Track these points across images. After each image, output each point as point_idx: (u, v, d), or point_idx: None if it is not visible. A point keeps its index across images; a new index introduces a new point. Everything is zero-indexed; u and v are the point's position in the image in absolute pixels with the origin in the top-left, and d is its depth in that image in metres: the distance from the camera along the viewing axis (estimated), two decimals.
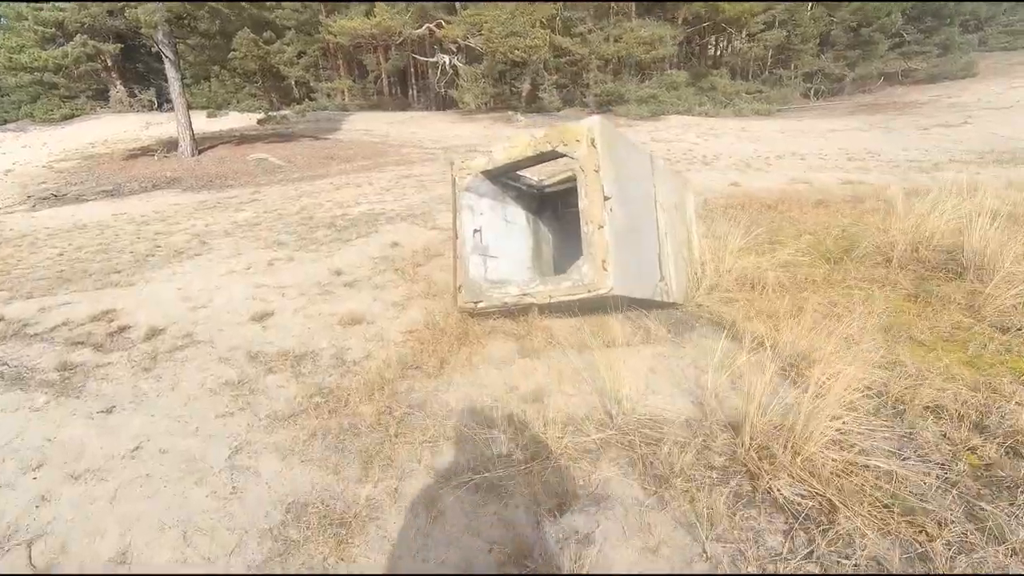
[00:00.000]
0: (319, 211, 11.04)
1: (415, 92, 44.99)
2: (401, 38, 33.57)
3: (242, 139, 24.09)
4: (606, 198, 4.03)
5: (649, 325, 4.38)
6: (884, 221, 6.40)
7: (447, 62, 34.72)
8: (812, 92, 35.01)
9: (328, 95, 39.20)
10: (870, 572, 2.14)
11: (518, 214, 5.73)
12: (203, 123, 25.72)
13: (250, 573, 2.36)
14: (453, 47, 34.14)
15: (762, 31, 33.91)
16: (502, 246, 5.39)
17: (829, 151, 19.84)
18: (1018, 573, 2.10)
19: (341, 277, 6.53)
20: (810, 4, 34.79)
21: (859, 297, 4.55)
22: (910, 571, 2.14)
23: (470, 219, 4.96)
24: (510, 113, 31.49)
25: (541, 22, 29.90)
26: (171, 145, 21.19)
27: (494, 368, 4.09)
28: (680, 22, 34.23)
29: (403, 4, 33.16)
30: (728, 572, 2.20)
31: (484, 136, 25.74)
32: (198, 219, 11.16)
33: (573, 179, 5.26)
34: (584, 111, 32.24)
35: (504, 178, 5.24)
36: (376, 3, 33.01)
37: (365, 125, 29.73)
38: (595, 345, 4.14)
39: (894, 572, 2.13)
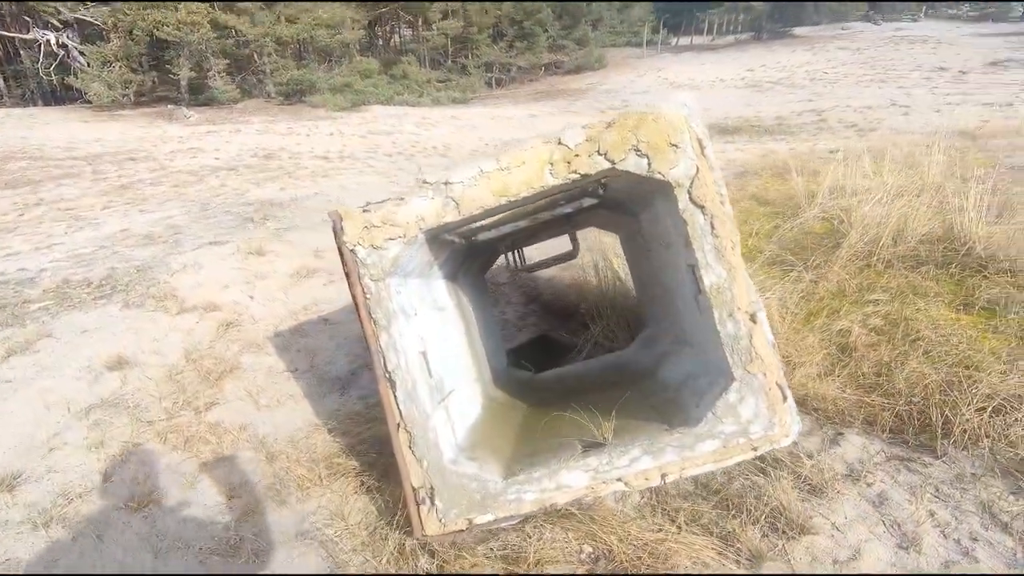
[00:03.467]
0: None
1: (2, 81, 32.18)
2: None
3: None
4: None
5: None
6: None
7: (52, 40, 25.38)
8: (494, 81, 37.04)
9: None
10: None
11: (442, 289, 3.17)
12: None
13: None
14: (57, 20, 25.05)
15: (441, 19, 34.09)
16: (443, 358, 2.83)
17: (544, 133, 20.65)
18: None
19: None
20: None
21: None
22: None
23: (409, 333, 2.30)
24: (171, 107, 24.76)
25: None
26: None
27: None
28: (356, 4, 31.86)
29: None
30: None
31: (142, 139, 19.39)
32: None
33: (521, 216, 3.04)
34: (269, 102, 27.51)
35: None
36: None
37: None
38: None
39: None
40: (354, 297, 2.27)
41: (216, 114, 24.64)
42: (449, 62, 36.37)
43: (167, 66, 25.48)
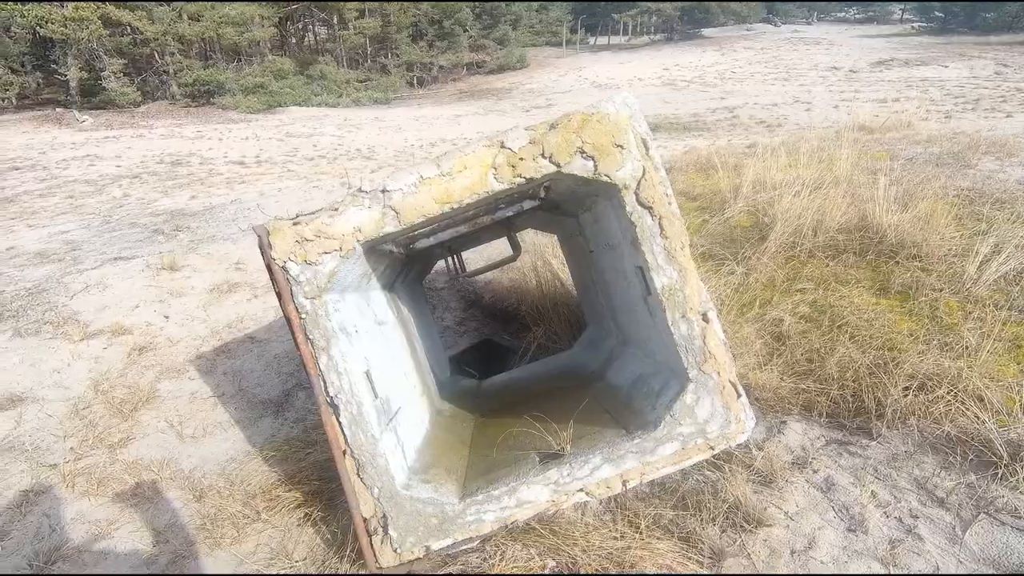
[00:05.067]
0: None
1: None
2: None
3: None
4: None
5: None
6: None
7: None
8: (416, 80, 36.45)
9: None
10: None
11: (380, 300, 3.01)
12: None
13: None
14: None
15: (357, 18, 33.15)
16: (387, 375, 2.70)
17: (470, 134, 20.56)
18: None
19: None
20: None
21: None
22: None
23: (350, 352, 2.17)
24: (60, 110, 22.65)
25: None
26: None
27: None
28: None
29: None
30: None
31: (27, 146, 17.61)
32: None
33: (461, 222, 2.96)
34: (174, 104, 25.76)
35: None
36: None
37: None
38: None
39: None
40: (287, 318, 2.08)
41: (114, 117, 22.78)
42: (369, 62, 35.46)
43: (53, 66, 23.27)
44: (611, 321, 3.43)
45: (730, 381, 2.12)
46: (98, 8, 22.70)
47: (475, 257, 6.01)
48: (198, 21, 26.40)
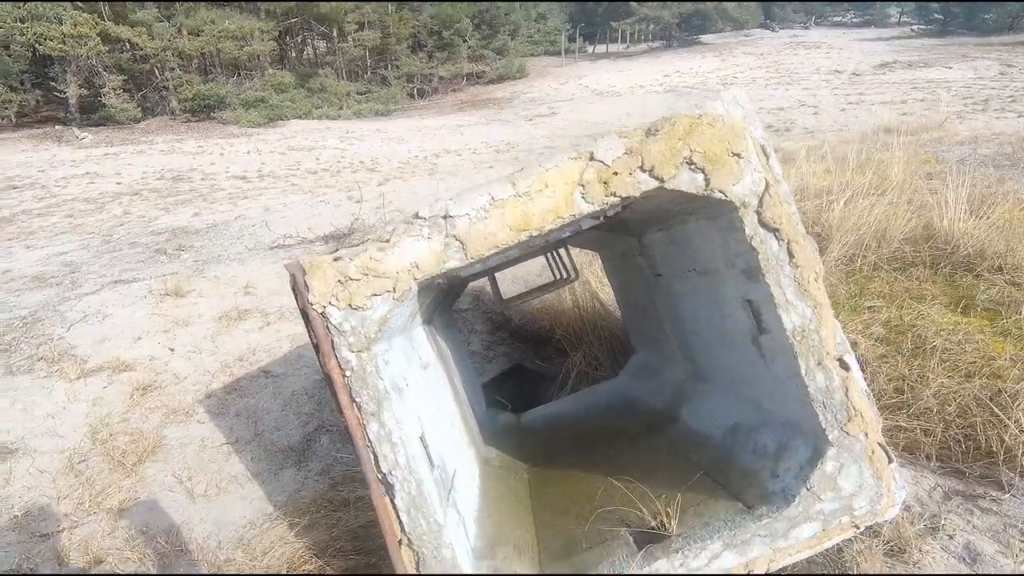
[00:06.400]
0: None
1: None
2: None
3: None
4: None
5: None
6: None
7: None
8: (416, 92, 36.25)
9: None
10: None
11: (422, 338, 2.60)
12: None
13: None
14: None
15: (356, 31, 33.00)
16: (437, 429, 2.27)
17: (475, 145, 20.25)
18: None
19: None
20: (394, 6, 35.50)
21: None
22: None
23: (404, 415, 1.73)
24: (59, 128, 22.36)
25: (78, 5, 21.82)
26: None
27: None
28: (264, 15, 30.22)
29: None
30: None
31: (26, 164, 17.28)
32: None
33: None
34: (175, 119, 25.50)
35: None
36: None
37: None
38: None
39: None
40: (327, 375, 1.68)
41: (114, 134, 22.48)
42: (369, 73, 35.28)
43: (52, 83, 23.01)
44: (678, 351, 3.02)
45: (879, 444, 1.71)
46: (97, 24, 22.47)
47: (505, 277, 5.61)
48: (197, 36, 26.20)
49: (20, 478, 3.01)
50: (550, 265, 4.29)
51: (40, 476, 3.03)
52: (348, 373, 1.68)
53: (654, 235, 2.66)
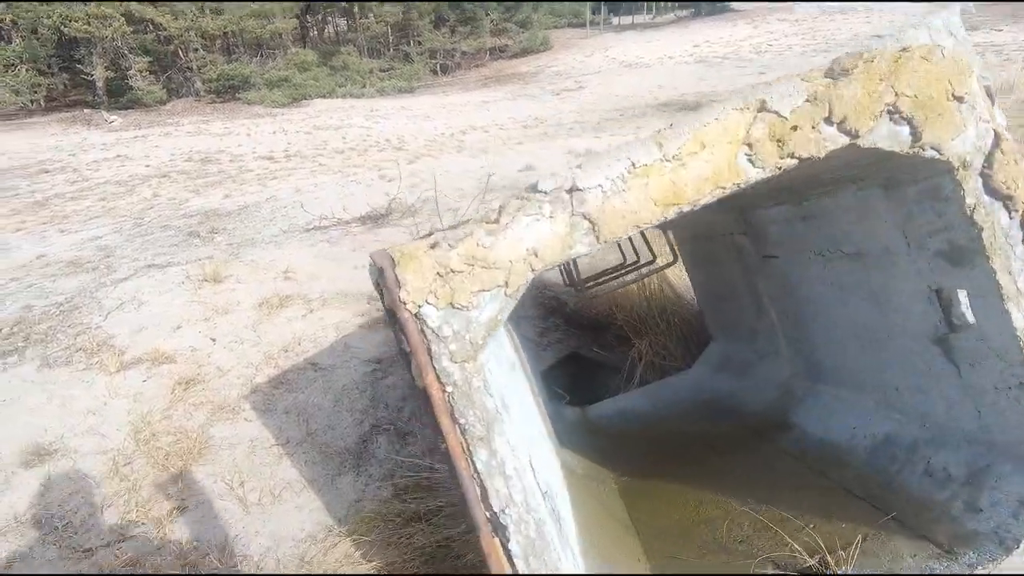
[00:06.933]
0: None
1: None
2: None
3: None
4: None
5: None
6: None
7: None
8: (439, 68, 35.61)
9: None
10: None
11: (504, 339, 2.24)
12: None
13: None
14: None
15: (378, 6, 32.41)
16: (533, 443, 1.90)
17: (502, 121, 19.74)
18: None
19: None
20: None
21: None
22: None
23: (516, 436, 1.35)
24: (88, 111, 22.42)
25: None
26: None
27: None
28: None
29: None
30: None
31: (57, 148, 17.33)
32: None
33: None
34: (199, 101, 25.41)
35: None
36: None
37: None
38: None
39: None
40: (425, 391, 1.34)
41: (142, 117, 22.47)
42: (391, 50, 34.73)
43: (79, 66, 23.03)
44: (783, 345, 2.63)
45: None
46: (121, 5, 22.34)
47: None
48: (220, 15, 25.94)
49: (59, 484, 2.78)
50: (618, 244, 3.91)
51: (81, 481, 2.80)
52: (450, 389, 1.34)
53: (772, 210, 2.26)
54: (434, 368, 1.35)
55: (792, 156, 1.29)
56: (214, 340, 4.03)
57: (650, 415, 3.28)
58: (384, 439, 3.08)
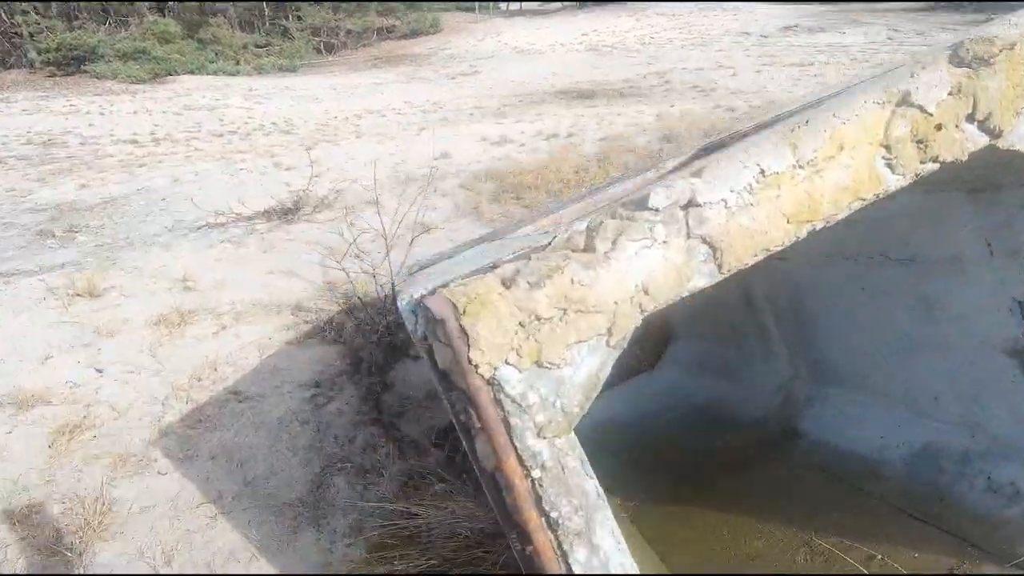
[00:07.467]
0: None
1: None
2: None
3: None
4: None
5: None
6: None
7: None
8: (323, 46, 33.39)
9: None
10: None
11: None
12: None
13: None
14: None
15: None
16: None
17: (398, 105, 18.91)
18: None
19: None
20: None
21: None
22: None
23: (614, 530, 1.06)
24: None
25: None
26: None
27: None
28: None
29: None
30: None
31: None
32: None
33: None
34: (35, 73, 21.79)
35: None
36: None
37: None
38: None
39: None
40: (507, 481, 0.99)
41: None
42: (267, 24, 32.02)
43: None
44: (782, 347, 2.54)
45: None
46: None
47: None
48: None
49: None
50: None
51: None
52: (537, 473, 1.00)
53: None
54: (515, 448, 1.00)
55: (935, 160, 1.10)
56: (100, 371, 3.26)
57: (628, 423, 3.09)
58: (342, 480, 2.62)
